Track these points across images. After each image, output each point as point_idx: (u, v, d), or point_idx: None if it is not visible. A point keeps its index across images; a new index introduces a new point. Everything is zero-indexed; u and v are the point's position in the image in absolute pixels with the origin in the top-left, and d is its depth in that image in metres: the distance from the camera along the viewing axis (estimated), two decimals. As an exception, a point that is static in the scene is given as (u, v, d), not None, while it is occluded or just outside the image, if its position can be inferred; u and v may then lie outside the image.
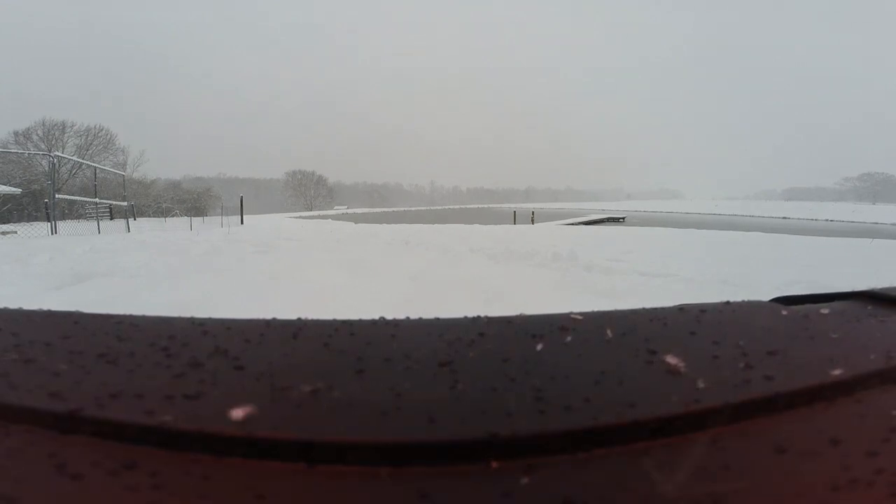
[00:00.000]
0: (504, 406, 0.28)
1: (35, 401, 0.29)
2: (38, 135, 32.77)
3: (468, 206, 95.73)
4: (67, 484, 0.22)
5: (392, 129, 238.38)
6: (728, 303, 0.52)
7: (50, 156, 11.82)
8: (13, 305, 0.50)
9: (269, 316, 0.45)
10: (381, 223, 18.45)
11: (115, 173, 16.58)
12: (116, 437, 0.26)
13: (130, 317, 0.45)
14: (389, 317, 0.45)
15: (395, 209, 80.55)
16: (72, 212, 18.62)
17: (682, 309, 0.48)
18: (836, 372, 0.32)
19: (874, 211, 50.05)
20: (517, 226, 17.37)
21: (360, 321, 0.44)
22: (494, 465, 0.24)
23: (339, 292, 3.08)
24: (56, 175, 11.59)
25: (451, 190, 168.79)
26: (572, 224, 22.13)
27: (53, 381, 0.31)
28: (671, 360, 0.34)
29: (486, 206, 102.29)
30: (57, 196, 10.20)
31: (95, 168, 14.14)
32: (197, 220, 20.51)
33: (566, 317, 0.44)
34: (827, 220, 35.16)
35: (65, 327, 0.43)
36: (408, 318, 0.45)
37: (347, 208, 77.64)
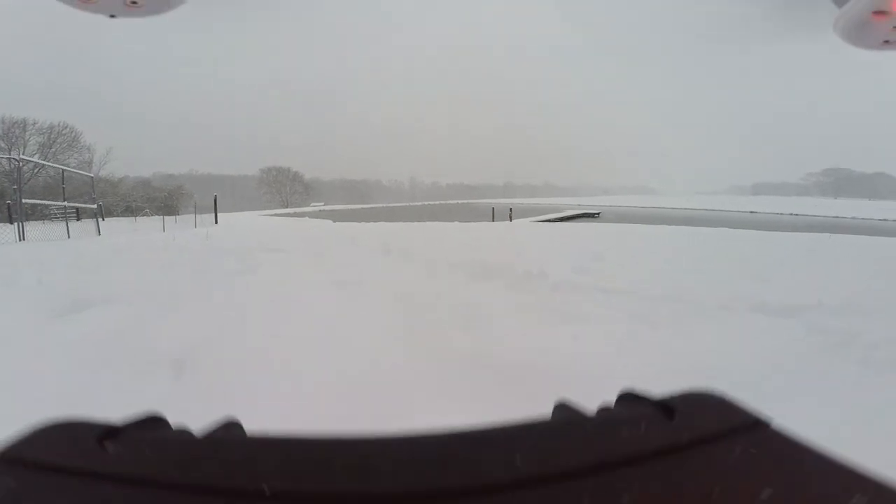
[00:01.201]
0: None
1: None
2: (-4, 132, 31.21)
3: (448, 202, 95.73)
4: None
5: (371, 125, 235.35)
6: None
7: (15, 160, 11.42)
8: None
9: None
10: (360, 221, 18.48)
11: (81, 174, 16.04)
12: None
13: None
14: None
15: (374, 205, 79.75)
16: (35, 212, 17.92)
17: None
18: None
19: (835, 205, 52.71)
20: (495, 223, 17.63)
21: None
22: None
23: (315, 303, 3.27)
24: (20, 176, 11.14)
25: (431, 185, 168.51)
26: (548, 220, 22.52)
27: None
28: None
29: (465, 201, 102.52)
30: (24, 201, 9.92)
31: (63, 170, 13.70)
32: (169, 220, 20.08)
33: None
34: (791, 213, 36.96)
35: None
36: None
37: (325, 205, 76.22)
